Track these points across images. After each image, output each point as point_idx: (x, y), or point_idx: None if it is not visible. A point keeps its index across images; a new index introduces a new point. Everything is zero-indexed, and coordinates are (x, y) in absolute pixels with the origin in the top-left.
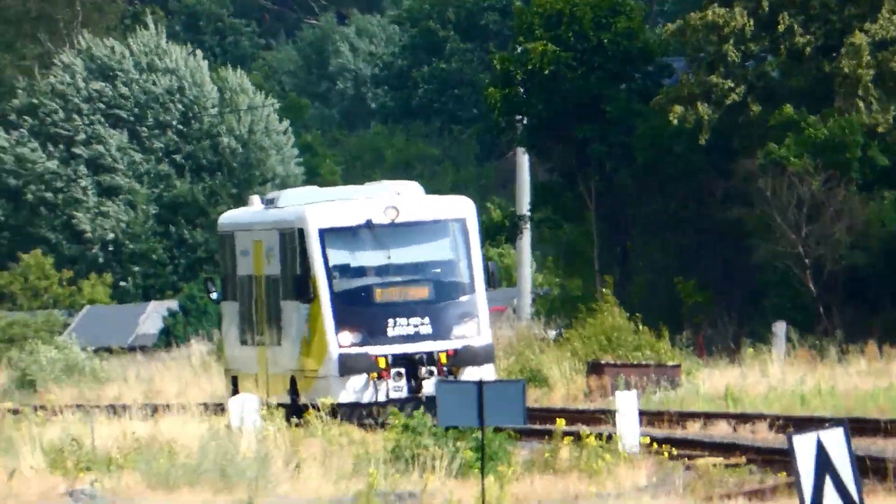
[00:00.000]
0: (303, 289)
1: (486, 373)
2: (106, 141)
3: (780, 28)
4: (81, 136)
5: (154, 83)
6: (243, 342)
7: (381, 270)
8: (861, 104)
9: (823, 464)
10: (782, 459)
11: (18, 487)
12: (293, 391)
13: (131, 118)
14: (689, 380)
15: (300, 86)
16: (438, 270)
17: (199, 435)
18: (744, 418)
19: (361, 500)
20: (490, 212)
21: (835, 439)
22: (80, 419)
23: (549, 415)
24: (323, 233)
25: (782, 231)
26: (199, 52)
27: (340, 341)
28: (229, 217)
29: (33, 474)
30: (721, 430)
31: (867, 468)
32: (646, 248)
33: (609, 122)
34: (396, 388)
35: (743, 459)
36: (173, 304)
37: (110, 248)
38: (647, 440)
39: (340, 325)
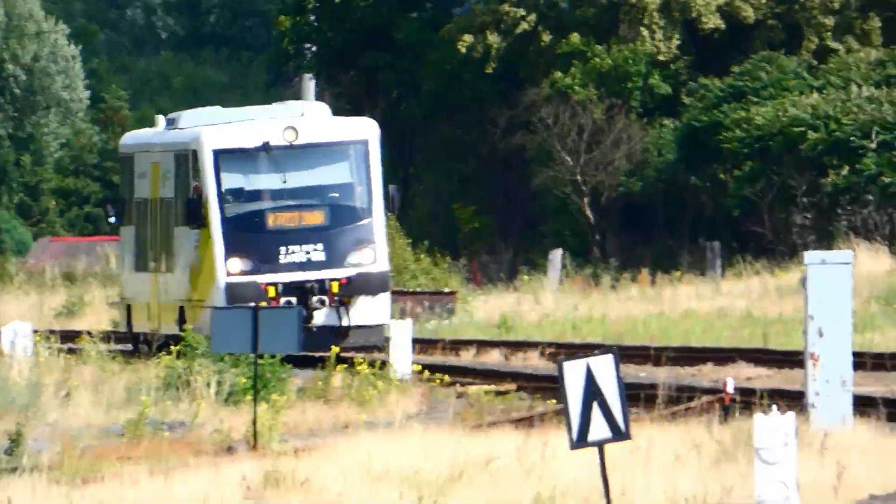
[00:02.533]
0: (194, 213)
1: (380, 302)
2: None
3: None
4: None
5: None
6: (137, 269)
7: (276, 195)
8: (645, 33)
9: (592, 391)
10: (552, 386)
11: None
12: (181, 322)
13: None
14: (464, 307)
15: (90, 12)
16: (336, 195)
17: None
18: (516, 346)
19: (130, 429)
20: None
21: (604, 366)
22: None
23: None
24: (217, 154)
25: (562, 158)
26: None
27: (229, 269)
28: (130, 138)
29: None
30: (494, 358)
31: (637, 396)
32: (428, 176)
33: (399, 51)
34: None
35: (514, 387)
36: None
37: None
38: (420, 368)
39: (230, 252)
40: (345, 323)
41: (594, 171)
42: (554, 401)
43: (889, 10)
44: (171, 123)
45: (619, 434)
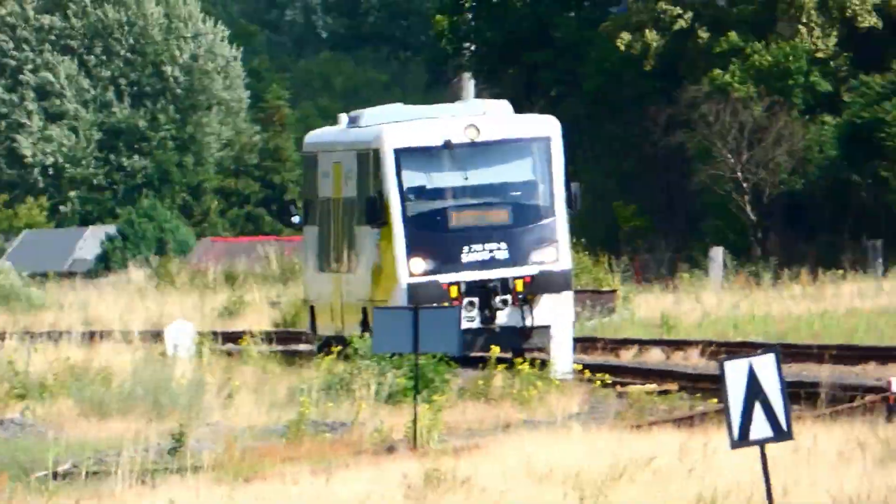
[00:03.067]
0: (375, 213)
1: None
2: (54, 68)
3: None
4: (30, 66)
5: (105, 14)
6: (321, 269)
7: (458, 193)
8: (803, 30)
9: (754, 390)
10: (713, 387)
11: None
12: (365, 323)
13: (81, 49)
14: (624, 306)
15: (249, 13)
16: (518, 193)
17: (134, 362)
18: (677, 345)
19: (293, 429)
20: None
21: (766, 365)
22: (15, 347)
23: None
24: (398, 153)
25: (723, 156)
26: None
27: (411, 269)
28: (313, 137)
29: None
30: (655, 357)
31: (798, 395)
32: (589, 174)
33: (557, 49)
34: (468, 318)
35: (675, 386)
36: (111, 229)
37: (50, 173)
38: (580, 367)
39: (412, 251)
40: (528, 323)
41: (755, 168)
42: (715, 400)
43: None
44: (353, 122)
45: (781, 433)
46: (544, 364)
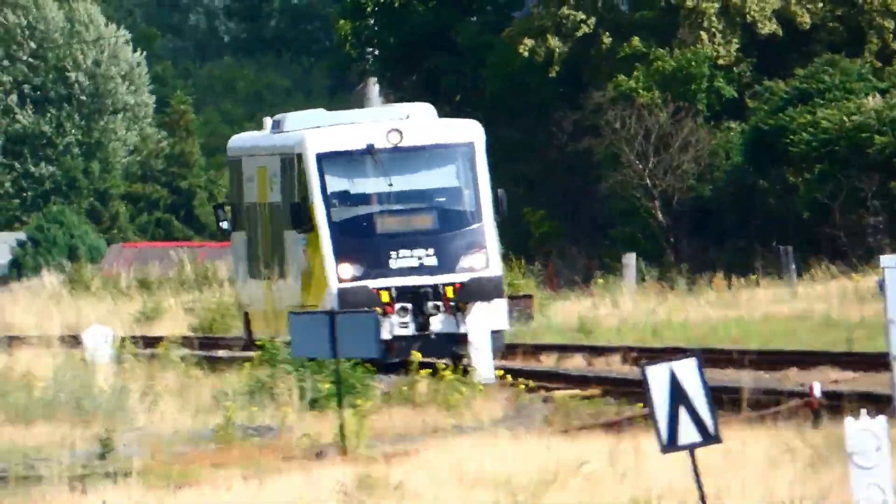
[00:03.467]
0: (301, 218)
1: (496, 308)
2: None
3: None
4: None
5: (5, 18)
6: (252, 276)
7: (383, 198)
8: (704, 36)
9: (677, 394)
10: (637, 391)
11: None
12: None
13: None
14: (541, 311)
15: (151, 17)
16: (444, 198)
17: (55, 368)
18: (598, 350)
19: (220, 434)
20: None
21: (688, 370)
22: None
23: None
24: (321, 158)
25: (630, 162)
26: None
27: (340, 274)
28: (237, 141)
29: None
30: (576, 363)
31: (721, 399)
32: (494, 180)
33: (460, 54)
34: (402, 324)
35: (599, 391)
36: (21, 235)
37: None
38: (502, 373)
39: (340, 256)
40: (462, 330)
41: (663, 174)
42: (640, 405)
43: None
44: (276, 126)
45: (709, 437)
46: (466, 370)
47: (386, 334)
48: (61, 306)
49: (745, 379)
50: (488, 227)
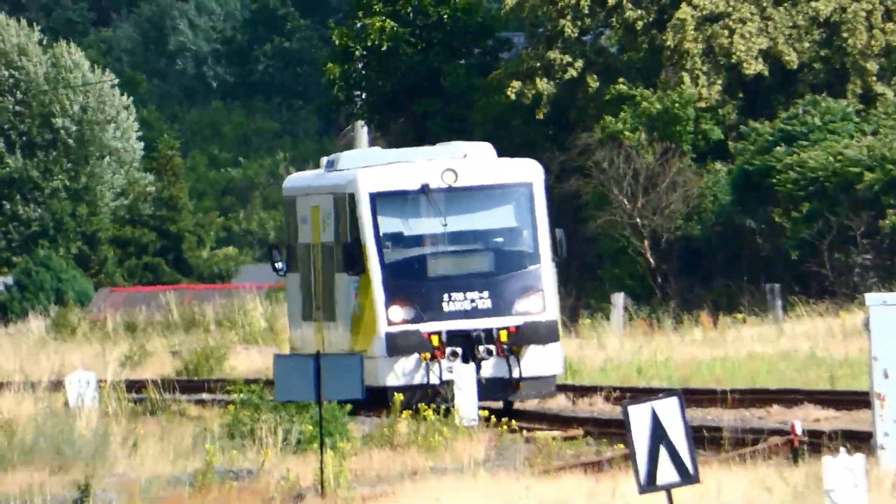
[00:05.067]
0: (353, 259)
1: (551, 353)
2: None
3: (611, 2)
4: None
5: None
6: (304, 318)
7: (437, 239)
8: (687, 78)
9: (658, 434)
10: (619, 431)
11: None
12: None
13: None
14: None
15: (139, 63)
16: (500, 239)
17: (37, 413)
18: (581, 390)
19: (199, 478)
20: None
21: (669, 409)
22: None
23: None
24: (374, 198)
25: (619, 202)
26: (31, 29)
27: (390, 318)
28: (292, 181)
29: None
30: (559, 403)
31: (703, 438)
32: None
33: (448, 97)
34: (451, 368)
35: (580, 431)
36: (8, 279)
37: None
38: (486, 413)
39: (390, 299)
40: (515, 374)
41: (651, 214)
42: (622, 445)
43: None
44: (330, 165)
45: (688, 477)
46: (449, 411)
47: (435, 379)
48: (47, 350)
49: (727, 418)
50: (546, 268)
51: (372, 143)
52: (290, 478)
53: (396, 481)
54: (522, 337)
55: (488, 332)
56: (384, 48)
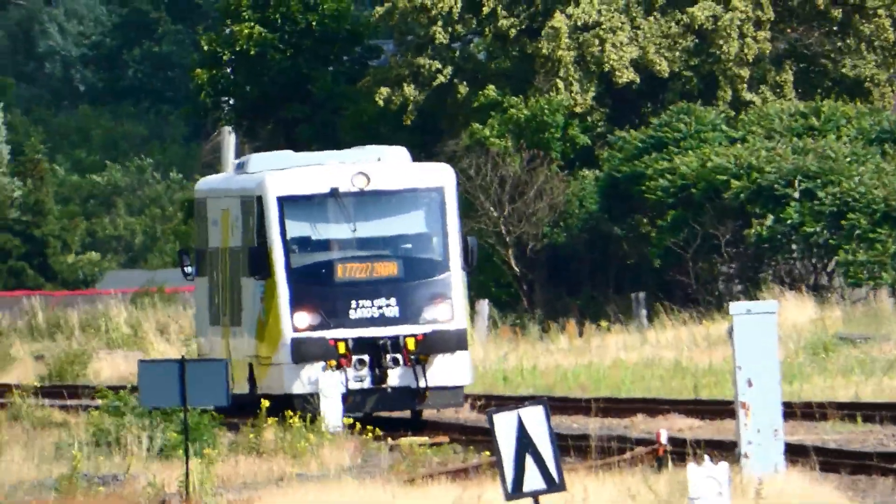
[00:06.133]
0: (259, 264)
1: (459, 361)
2: None
3: (485, 10)
4: None
5: None
6: (211, 323)
7: (346, 244)
8: (561, 85)
9: (524, 442)
10: (485, 439)
11: None
12: (252, 380)
13: None
14: None
15: (6, 66)
16: (410, 245)
17: None
18: None
19: (64, 484)
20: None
21: (535, 417)
22: None
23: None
24: (282, 201)
25: (485, 209)
26: None
27: (295, 324)
28: (203, 183)
29: None
30: (425, 411)
31: (569, 446)
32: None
33: (316, 104)
34: (357, 377)
35: (446, 439)
36: None
37: None
38: (351, 421)
39: (296, 305)
40: (422, 384)
41: (518, 222)
42: (488, 453)
43: (803, 61)
44: (239, 167)
45: (554, 485)
46: (314, 418)
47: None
48: None
49: (593, 426)
50: (455, 276)
51: (239, 148)
52: (155, 484)
53: (262, 487)
54: (430, 345)
55: (395, 339)
56: (252, 54)
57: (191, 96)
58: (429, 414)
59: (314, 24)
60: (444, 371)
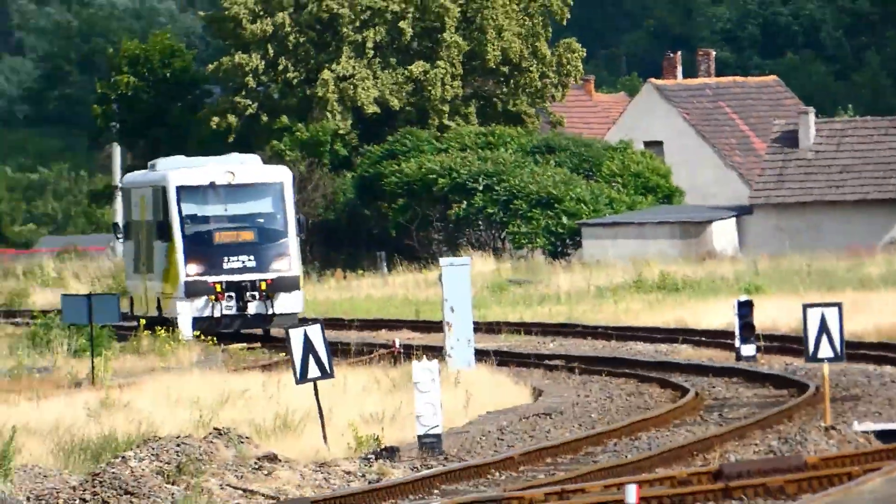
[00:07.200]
0: (164, 232)
1: (294, 297)
2: None
3: (280, 68)
4: None
5: None
6: (135, 272)
7: (220, 219)
8: (329, 115)
9: (308, 347)
10: (284, 346)
11: None
12: (159, 308)
13: None
14: None
15: None
16: (262, 220)
17: None
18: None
19: (13, 372)
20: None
21: (315, 331)
22: None
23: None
24: (179, 189)
25: None
26: None
27: (188, 272)
28: (128, 178)
29: None
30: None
31: (337, 350)
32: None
33: (172, 127)
34: (228, 307)
35: (258, 345)
36: None
37: None
38: (198, 333)
39: (188, 259)
40: (270, 312)
41: (302, 206)
42: (284, 353)
43: (482, 100)
44: (152, 167)
45: (326, 374)
46: (173, 329)
47: (217, 313)
48: None
49: (353, 337)
50: (292, 241)
51: (124, 158)
52: (73, 373)
53: (140, 375)
54: (275, 286)
55: (253, 282)
56: (129, 94)
57: (91, 122)
58: (248, 330)
59: (168, 75)
60: (285, 303)
